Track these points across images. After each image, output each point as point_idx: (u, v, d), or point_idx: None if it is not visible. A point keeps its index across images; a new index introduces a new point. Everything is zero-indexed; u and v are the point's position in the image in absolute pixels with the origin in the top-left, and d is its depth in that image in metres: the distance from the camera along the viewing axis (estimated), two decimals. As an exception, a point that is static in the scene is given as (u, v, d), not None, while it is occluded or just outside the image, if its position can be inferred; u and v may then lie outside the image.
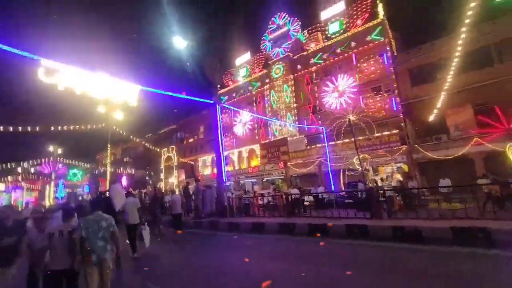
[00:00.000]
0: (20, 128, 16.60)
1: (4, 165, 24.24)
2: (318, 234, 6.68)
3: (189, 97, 10.06)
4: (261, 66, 30.13)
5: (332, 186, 15.90)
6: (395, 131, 17.35)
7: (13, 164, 25.41)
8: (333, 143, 19.58)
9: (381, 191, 9.02)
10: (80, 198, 27.51)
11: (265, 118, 20.84)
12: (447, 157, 14.77)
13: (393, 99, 19.37)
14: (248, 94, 29.49)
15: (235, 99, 30.90)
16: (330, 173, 16.42)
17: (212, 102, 10.34)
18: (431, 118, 16.77)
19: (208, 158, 28.48)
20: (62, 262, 3.19)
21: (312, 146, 21.31)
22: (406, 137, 16.72)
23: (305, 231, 7.10)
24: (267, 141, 25.20)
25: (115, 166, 37.64)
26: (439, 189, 11.86)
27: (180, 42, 10.29)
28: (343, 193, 13.43)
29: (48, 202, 32.08)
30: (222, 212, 10.37)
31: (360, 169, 13.71)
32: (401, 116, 18.63)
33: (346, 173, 15.30)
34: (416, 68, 19.33)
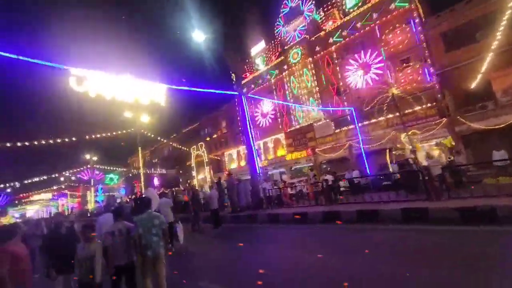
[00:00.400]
0: (58, 140, 17.52)
1: (49, 176, 26.06)
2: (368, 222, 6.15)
3: (214, 91, 9.82)
4: (278, 52, 29.18)
5: (367, 169, 15.08)
6: (432, 104, 15.93)
7: (56, 174, 27.23)
8: (366, 123, 18.53)
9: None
10: (118, 200, 28.97)
11: (291, 103, 20.18)
12: (497, 126, 13.29)
13: (425, 69, 17.78)
14: (267, 83, 28.79)
15: (254, 89, 30.35)
16: (363, 156, 15.55)
17: (237, 93, 10.04)
18: (473, 85, 15.13)
19: (234, 152, 28.49)
20: (121, 258, 3.47)
21: (341, 129, 20.36)
22: (445, 109, 15.30)
23: (352, 218, 6.60)
24: (292, 129, 24.55)
25: (146, 167, 39.16)
26: (493, 163, 10.68)
27: (199, 36, 9.99)
28: (386, 175, 12.62)
29: (90, 205, 34.26)
30: (258, 204, 10.16)
31: (409, 147, 12.78)
32: (437, 87, 17.10)
33: (393, 152, 14.29)
34: (450, 32, 17.46)
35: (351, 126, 19.77)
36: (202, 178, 28.16)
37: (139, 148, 17.93)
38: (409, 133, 12.68)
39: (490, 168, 11.12)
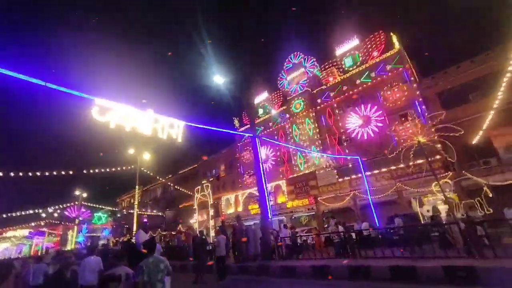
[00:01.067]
0: (52, 173, 16.64)
1: (33, 211, 24.15)
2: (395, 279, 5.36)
3: (230, 131, 9.71)
4: (280, 102, 30.59)
5: (376, 221, 14.36)
6: (437, 157, 16.11)
7: (39, 209, 25.31)
8: (368, 173, 18.38)
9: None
10: (101, 242, 26.54)
11: (302, 149, 20.15)
12: (506, 183, 13.22)
13: (423, 124, 18.46)
14: (270, 130, 29.42)
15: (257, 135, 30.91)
16: (372, 206, 14.98)
17: (251, 135, 9.96)
18: (474, 141, 15.56)
19: (232, 196, 27.45)
20: None
21: (344, 179, 20.09)
22: (450, 163, 15.41)
23: (385, 276, 5.79)
24: (294, 175, 24.20)
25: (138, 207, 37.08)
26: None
27: (219, 79, 10.39)
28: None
29: (70, 246, 31.14)
30: (268, 253, 9.16)
31: (442, 196, 12.32)
32: (438, 143, 17.54)
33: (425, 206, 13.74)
34: (445, 92, 18.75)
35: (354, 176, 19.60)
36: (199, 221, 26.44)
37: (136, 187, 17.07)
38: (441, 181, 12.38)
39: (503, 227, 10.65)
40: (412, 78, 20.04)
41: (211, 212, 23.23)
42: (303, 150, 14.44)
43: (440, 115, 18.01)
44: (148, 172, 19.59)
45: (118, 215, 35.36)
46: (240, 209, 27.10)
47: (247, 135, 9.79)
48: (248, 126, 32.40)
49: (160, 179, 23.66)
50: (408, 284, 5.28)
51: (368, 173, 18.54)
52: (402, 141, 18.88)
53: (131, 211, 23.89)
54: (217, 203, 29.42)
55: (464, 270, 4.96)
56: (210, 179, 30.32)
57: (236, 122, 34.74)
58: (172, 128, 7.59)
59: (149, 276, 3.34)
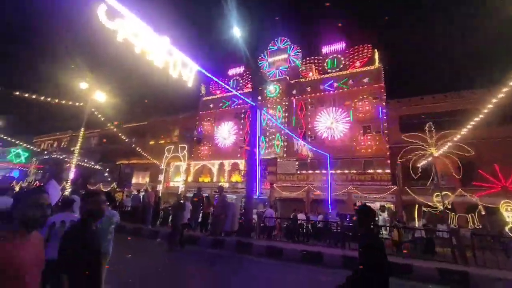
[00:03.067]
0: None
1: None
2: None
3: (235, 92, 8.55)
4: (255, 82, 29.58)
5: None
6: (387, 171, 17.92)
7: None
8: (324, 171, 19.39)
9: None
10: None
11: (295, 137, 19.70)
12: (432, 203, 15.56)
13: (382, 140, 20.32)
14: (237, 106, 28.33)
15: (221, 109, 29.45)
16: (329, 201, 15.90)
17: (254, 104, 9.02)
18: (419, 164, 17.80)
19: (183, 165, 25.76)
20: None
21: (302, 172, 20.83)
22: (396, 178, 17.35)
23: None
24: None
25: (61, 153, 31.68)
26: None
27: (237, 32, 9.01)
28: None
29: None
30: (247, 232, 8.62)
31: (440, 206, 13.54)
32: (388, 158, 19.56)
33: (423, 209, 14.83)
34: (405, 117, 20.88)
35: (311, 171, 20.53)
36: (135, 183, 24.01)
37: (82, 129, 14.16)
38: (443, 193, 13.58)
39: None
40: (383, 97, 21.65)
41: (183, 176, 21.35)
42: (294, 137, 14.21)
43: (398, 136, 20.06)
44: (100, 116, 16.46)
45: (46, 157, 29.51)
46: (190, 178, 25.73)
47: (249, 101, 8.82)
48: (217, 96, 30.63)
49: (111, 125, 20.31)
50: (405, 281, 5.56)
51: (326, 171, 19.58)
52: (362, 150, 20.55)
53: (65, 156, 20.16)
54: (163, 169, 27.29)
55: (455, 273, 5.43)
56: (197, 143, 27.73)
57: (202, 89, 32.37)
58: (185, 68, 6.20)
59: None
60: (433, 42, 59.01)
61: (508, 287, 5.16)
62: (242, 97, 9.58)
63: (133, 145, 22.17)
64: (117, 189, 28.59)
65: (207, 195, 11.78)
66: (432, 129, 14.10)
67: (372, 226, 2.79)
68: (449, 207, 13.41)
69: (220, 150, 27.23)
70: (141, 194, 13.06)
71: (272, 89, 26.34)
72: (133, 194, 13.93)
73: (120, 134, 21.39)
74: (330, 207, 15.61)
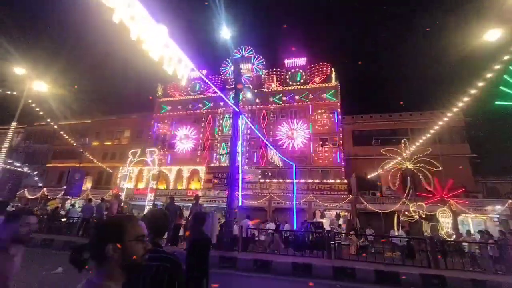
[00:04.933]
0: None
1: None
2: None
3: (220, 94, 7.93)
4: (217, 88, 28.95)
5: (295, 224, 15.50)
6: (345, 181, 19.22)
7: None
8: (288, 180, 19.82)
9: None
10: None
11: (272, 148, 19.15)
12: (383, 211, 17.24)
13: (338, 152, 21.86)
14: (198, 111, 27.21)
15: (180, 112, 27.88)
16: (294, 210, 16.14)
17: (237, 110, 8.48)
18: (369, 175, 19.64)
19: (134, 170, 23.28)
20: None
21: (266, 181, 20.89)
22: (351, 188, 18.73)
23: (370, 279, 6.05)
24: (216, 164, 23.14)
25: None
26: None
27: (226, 33, 8.41)
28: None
29: None
30: (229, 244, 7.88)
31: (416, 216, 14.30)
32: (343, 168, 21.10)
33: (401, 218, 15.35)
34: (357, 132, 23.00)
35: (275, 180, 20.77)
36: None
37: (14, 123, 11.55)
38: (417, 203, 14.51)
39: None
40: (339, 111, 23.44)
41: (152, 184, 18.89)
42: (270, 146, 13.90)
43: (352, 151, 21.83)
44: (38, 110, 13.61)
45: None
46: (141, 185, 23.31)
47: (233, 106, 8.23)
48: (176, 98, 28.90)
49: (50, 121, 16.94)
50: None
51: (288, 180, 20.02)
52: (320, 161, 21.71)
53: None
54: (112, 172, 24.25)
55: (433, 277, 5.92)
56: (162, 147, 24.59)
57: (159, 90, 30.14)
58: (179, 64, 5.55)
59: None
60: (386, 62, 67.06)
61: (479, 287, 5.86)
62: (229, 102, 9.01)
63: (76, 144, 19.11)
64: (49, 197, 24.25)
65: (178, 205, 10.71)
66: (407, 144, 15.58)
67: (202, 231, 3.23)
68: (423, 216, 14.89)
69: (177, 156, 25.59)
70: (94, 203, 11.10)
71: (249, 96, 25.88)
72: (84, 203, 11.72)
73: (61, 133, 18.18)
74: (295, 216, 15.88)
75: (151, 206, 14.45)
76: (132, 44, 4.66)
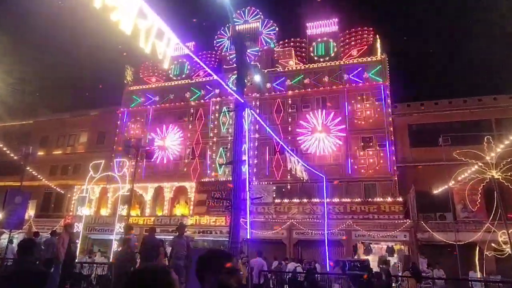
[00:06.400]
0: None
1: None
2: None
3: (216, 77, 8.10)
4: (211, 68, 29.42)
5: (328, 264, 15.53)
6: (399, 199, 19.14)
7: None
8: (316, 200, 19.88)
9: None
10: None
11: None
12: (458, 243, 17.03)
13: (388, 157, 21.73)
14: (184, 103, 27.66)
15: (159, 105, 28.39)
16: (326, 243, 16.14)
17: (242, 100, 8.60)
18: (435, 191, 19.46)
19: (97, 188, 23.84)
20: None
21: (283, 201, 21.04)
22: (409, 209, 18.63)
23: None
24: (212, 179, 23.46)
25: None
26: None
27: None
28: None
29: None
30: None
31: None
32: (397, 181, 20.98)
33: (485, 252, 15.29)
34: (416, 126, 22.84)
35: (297, 200, 20.87)
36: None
37: None
38: (509, 231, 14.27)
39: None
40: (388, 96, 23.36)
41: (121, 209, 19.50)
42: (288, 151, 13.97)
43: (409, 155, 21.75)
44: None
45: None
46: (104, 212, 23.84)
47: (238, 97, 8.40)
48: (152, 86, 29.49)
49: None
50: None
51: (315, 200, 20.11)
52: (362, 171, 21.70)
53: None
54: (66, 194, 24.95)
55: None
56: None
57: (128, 73, 30.72)
58: (160, 39, 5.80)
59: None
60: (455, 33, 66.00)
61: None
62: (231, 90, 9.14)
63: (14, 155, 19.77)
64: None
65: (161, 239, 11.01)
66: (492, 143, 15.27)
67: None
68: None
69: (156, 168, 26.00)
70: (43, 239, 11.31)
71: (258, 79, 25.91)
72: (45, 238, 11.90)
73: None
74: (327, 252, 15.92)
75: (118, 241, 14.80)
76: (95, 13, 4.97)
